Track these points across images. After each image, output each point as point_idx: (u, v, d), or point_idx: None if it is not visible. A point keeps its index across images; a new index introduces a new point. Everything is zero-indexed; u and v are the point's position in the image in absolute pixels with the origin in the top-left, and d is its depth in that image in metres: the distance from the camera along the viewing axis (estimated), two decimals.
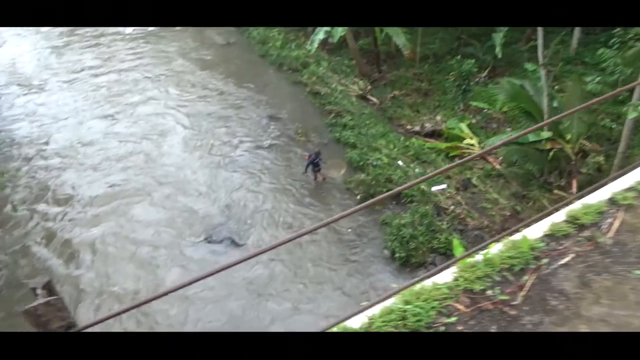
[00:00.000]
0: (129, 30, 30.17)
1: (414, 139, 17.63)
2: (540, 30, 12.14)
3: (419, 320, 2.65)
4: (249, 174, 16.82)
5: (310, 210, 15.15)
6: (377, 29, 20.73)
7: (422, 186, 15.08)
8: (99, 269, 13.27)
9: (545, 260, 3.02)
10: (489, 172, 15.54)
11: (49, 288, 1.92)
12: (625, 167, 12.99)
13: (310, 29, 26.85)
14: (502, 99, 14.96)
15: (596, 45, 19.94)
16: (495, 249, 3.12)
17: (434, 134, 18.04)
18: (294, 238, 2.23)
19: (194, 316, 11.90)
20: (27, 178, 17.01)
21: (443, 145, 16.84)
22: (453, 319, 2.67)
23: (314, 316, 11.69)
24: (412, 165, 16.13)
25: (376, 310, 2.75)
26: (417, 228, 13.47)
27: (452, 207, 14.38)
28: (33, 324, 1.90)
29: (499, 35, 18.46)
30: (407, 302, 2.73)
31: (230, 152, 18.00)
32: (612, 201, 3.48)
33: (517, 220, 13.85)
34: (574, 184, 13.61)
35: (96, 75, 24.26)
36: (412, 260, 12.99)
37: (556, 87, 18.11)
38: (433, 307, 2.72)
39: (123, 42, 28.38)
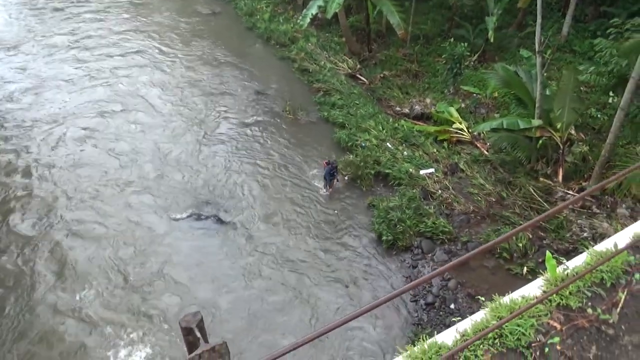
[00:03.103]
0: None
1: (402, 121, 17.53)
2: (539, 16, 12.01)
3: (518, 339, 2.51)
4: (235, 150, 16.51)
5: (297, 188, 14.99)
6: (369, 5, 20.32)
7: (411, 169, 15.06)
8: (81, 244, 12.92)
9: (637, 276, 2.91)
10: (477, 158, 15.58)
11: (200, 327, 1.67)
12: (612, 158, 13.22)
13: (299, 2, 26.25)
14: (494, 84, 14.91)
15: (585, 34, 20.07)
16: (581, 259, 2.99)
17: (423, 117, 17.95)
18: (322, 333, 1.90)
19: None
20: None
21: (432, 128, 16.78)
22: (556, 339, 2.52)
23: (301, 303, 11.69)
24: (400, 147, 16.05)
25: (467, 325, 2.59)
26: (405, 211, 13.48)
27: (439, 192, 14.41)
28: None
29: (492, 19, 18.35)
30: (499, 318, 2.58)
31: (215, 128, 17.61)
32: None
33: (501, 206, 14.00)
34: (560, 172, 13.77)
35: (70, 48, 23.21)
36: (398, 243, 13.03)
37: (545, 75, 18.17)
38: (531, 325, 2.58)
39: (102, 14, 27.20)
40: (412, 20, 20.99)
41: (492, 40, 17.25)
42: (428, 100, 18.44)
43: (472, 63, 20.01)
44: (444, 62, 19.56)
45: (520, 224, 13.37)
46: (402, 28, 18.41)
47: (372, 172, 15.30)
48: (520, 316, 2.57)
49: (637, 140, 12.67)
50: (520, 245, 12.71)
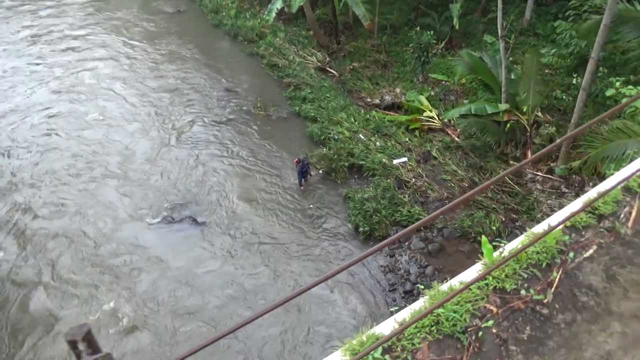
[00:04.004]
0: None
1: (374, 112, 17.59)
2: (500, 1, 12.16)
3: (453, 325, 2.53)
4: (205, 151, 16.32)
5: (271, 186, 14.93)
6: None
7: (384, 159, 15.14)
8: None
9: (571, 255, 2.97)
10: (449, 144, 15.76)
11: (89, 339, 1.62)
12: (577, 138, 13.51)
13: None
14: (461, 71, 15.07)
15: (547, 17, 20.42)
16: (518, 242, 3.02)
17: (394, 107, 18.05)
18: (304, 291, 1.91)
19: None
20: None
21: (403, 118, 16.90)
22: (490, 323, 2.56)
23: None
24: (373, 138, 16.12)
25: (406, 314, 2.60)
26: (380, 202, 13.57)
27: (413, 180, 14.54)
28: None
29: (456, 6, 18.51)
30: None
31: (185, 129, 17.37)
32: (627, 188, 3.42)
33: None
34: (529, 154, 14.04)
35: (33, 43, 22.64)
36: (375, 233, 13.11)
37: (510, 59, 18.45)
38: (466, 310, 2.60)
39: (64, 10, 26.53)
40: (378, 10, 21.03)
41: (457, 27, 17.42)
42: (398, 90, 18.55)
43: (440, 51, 20.18)
44: (411, 51, 19.67)
45: (493, 208, 13.65)
46: (368, 19, 18.44)
47: (346, 164, 15.34)
48: (457, 302, 2.61)
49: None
50: (494, 228, 12.94)
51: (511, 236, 13.21)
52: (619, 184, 2.34)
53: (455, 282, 2.81)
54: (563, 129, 14.60)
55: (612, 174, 4.43)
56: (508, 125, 13.84)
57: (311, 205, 14.38)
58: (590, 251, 2.98)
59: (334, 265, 12.50)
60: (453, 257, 12.76)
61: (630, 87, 8.41)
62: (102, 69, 20.89)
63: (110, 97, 19.00)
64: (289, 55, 21.33)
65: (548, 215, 13.24)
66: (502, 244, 3.06)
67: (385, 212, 13.38)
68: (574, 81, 15.94)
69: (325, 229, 13.60)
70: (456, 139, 15.92)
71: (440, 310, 2.59)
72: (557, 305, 2.69)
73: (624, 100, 8.54)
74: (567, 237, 3.08)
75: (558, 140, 3.04)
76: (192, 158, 15.94)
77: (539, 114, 14.75)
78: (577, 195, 13.97)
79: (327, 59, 21.11)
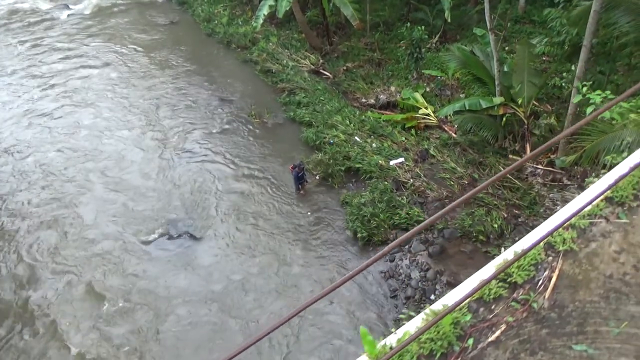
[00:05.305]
0: (64, 16, 28.45)
1: (369, 112, 17.31)
2: None
3: None
4: (202, 163, 16.20)
5: (267, 195, 14.76)
6: None
7: (380, 161, 14.88)
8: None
9: (470, 341, 2.53)
10: (446, 141, 15.43)
11: None
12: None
13: (256, 1, 25.82)
14: (453, 66, 14.71)
15: (543, 3, 19.92)
16: (412, 324, 2.58)
17: (389, 106, 17.75)
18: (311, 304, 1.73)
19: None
20: None
21: (399, 116, 16.59)
22: None
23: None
24: (369, 140, 15.85)
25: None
26: (377, 205, 13.32)
27: (411, 180, 14.25)
28: None
29: None
30: None
31: (180, 142, 17.27)
32: (550, 246, 2.97)
33: (474, 188, 13.87)
34: (528, 147, 13.67)
35: (30, 62, 22.80)
36: (374, 239, 12.88)
37: (506, 48, 18.02)
38: None
39: (59, 27, 26.69)
40: (369, 8, 20.72)
41: (449, 20, 17.02)
42: (393, 89, 18.25)
43: (434, 45, 19.81)
44: (404, 48, 19.34)
45: (495, 204, 13.30)
46: (356, 19, 18.15)
47: (343, 168, 15.11)
48: None
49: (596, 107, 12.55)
50: (496, 226, 12.61)
51: (514, 233, 12.87)
52: (540, 240, 2.01)
53: None
54: (564, 117, 14.18)
55: (614, 163, 3.95)
56: (504, 118, 13.47)
57: (309, 213, 14.18)
58: (497, 333, 2.52)
59: (335, 275, 12.31)
60: (455, 258, 12.47)
61: (597, 92, 8.14)
62: (94, 80, 21.12)
63: (102, 107, 19.21)
64: (282, 59, 21.13)
65: (551, 210, 12.96)
66: (392, 331, 2.59)
67: (383, 215, 13.12)
68: (573, 67, 15.51)
69: (323, 236, 13.40)
70: (453, 135, 15.58)
71: None
72: None
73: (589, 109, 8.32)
74: (468, 317, 2.62)
75: (554, 139, 2.67)
76: (187, 171, 15.83)
77: (537, 103, 14.35)
78: (580, 187, 13.58)
79: (321, 60, 20.87)
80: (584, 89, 8.76)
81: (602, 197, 2.96)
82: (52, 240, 13.56)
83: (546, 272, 2.79)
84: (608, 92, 8.24)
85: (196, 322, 11.28)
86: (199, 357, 10.56)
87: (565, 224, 2.93)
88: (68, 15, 28.53)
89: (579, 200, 2.99)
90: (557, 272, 2.77)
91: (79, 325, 11.29)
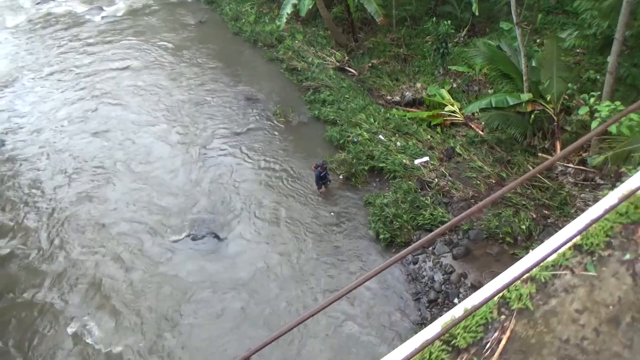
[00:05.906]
0: (97, 18, 29.22)
1: (394, 110, 17.05)
2: None
3: None
4: (227, 163, 16.37)
5: (291, 194, 14.79)
6: None
7: (405, 160, 14.66)
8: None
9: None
10: (473, 139, 15.03)
11: None
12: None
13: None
14: (480, 62, 14.25)
15: None
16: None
17: (415, 103, 17.42)
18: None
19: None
20: None
21: (424, 114, 16.26)
22: None
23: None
24: (393, 138, 15.62)
25: None
26: (400, 206, 13.13)
27: (436, 180, 13.97)
28: None
29: None
30: None
31: (206, 141, 17.49)
32: (504, 301, 2.66)
33: (502, 187, 13.46)
34: (558, 145, 13.15)
35: (58, 57, 23.59)
36: (397, 240, 12.73)
37: (538, 41, 17.35)
38: None
39: (93, 28, 27.47)
40: (395, 2, 20.34)
41: (476, 13, 16.50)
42: (419, 85, 17.90)
43: (462, 39, 19.28)
44: (430, 43, 18.91)
45: (523, 204, 12.87)
46: (380, 15, 17.85)
47: (366, 167, 14.98)
48: None
49: (629, 102, 11.93)
50: (524, 227, 12.23)
51: (544, 234, 12.39)
52: (493, 296, 1.83)
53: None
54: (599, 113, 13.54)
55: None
56: (532, 115, 12.99)
57: (332, 213, 14.13)
58: None
59: (358, 275, 12.25)
60: (480, 260, 12.18)
61: (607, 103, 7.74)
62: (124, 77, 21.67)
63: (131, 105, 19.69)
64: (308, 57, 21.04)
65: (582, 211, 12.41)
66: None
67: (406, 216, 12.94)
68: (608, 58, 14.78)
69: (346, 237, 13.34)
70: (480, 132, 15.16)
71: None
72: None
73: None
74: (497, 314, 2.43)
75: (584, 137, 2.45)
76: (213, 170, 16.04)
77: (567, 98, 13.75)
78: (615, 187, 12.96)
79: (346, 57, 20.66)
80: (591, 100, 8.38)
81: (570, 244, 2.65)
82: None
83: (496, 334, 2.51)
84: (618, 102, 7.93)
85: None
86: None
87: (525, 276, 2.64)
88: (102, 17, 29.30)
89: (543, 248, 2.70)
90: (507, 333, 2.50)
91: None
